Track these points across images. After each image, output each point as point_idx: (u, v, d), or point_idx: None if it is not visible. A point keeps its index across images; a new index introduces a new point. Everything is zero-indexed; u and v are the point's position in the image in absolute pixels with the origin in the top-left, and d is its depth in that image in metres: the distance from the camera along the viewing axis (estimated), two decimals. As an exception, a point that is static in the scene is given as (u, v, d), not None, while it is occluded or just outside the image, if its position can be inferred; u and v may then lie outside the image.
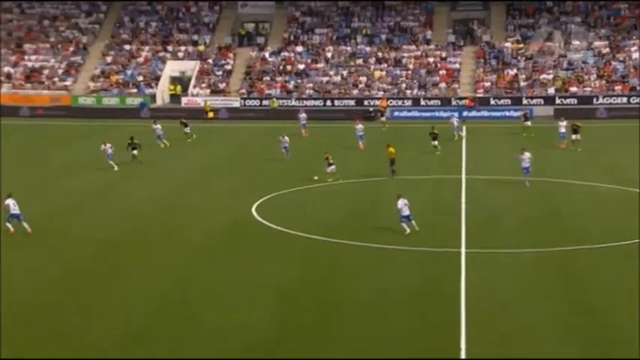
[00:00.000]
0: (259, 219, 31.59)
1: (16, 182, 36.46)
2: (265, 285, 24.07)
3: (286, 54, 70.33)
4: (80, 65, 69.84)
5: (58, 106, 64.34)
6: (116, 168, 41.12)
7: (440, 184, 37.94)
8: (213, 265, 26.31)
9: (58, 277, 25.06)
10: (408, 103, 64.23)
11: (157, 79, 68.36)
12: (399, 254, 26.82)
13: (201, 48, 71.18)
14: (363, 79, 67.17)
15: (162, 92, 67.65)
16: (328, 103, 64.66)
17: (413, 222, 28.39)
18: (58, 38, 72.36)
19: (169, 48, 71.42)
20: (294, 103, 64.62)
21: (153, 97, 66.71)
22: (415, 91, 65.45)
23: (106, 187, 37.87)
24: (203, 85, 67.83)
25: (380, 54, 69.25)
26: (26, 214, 29.87)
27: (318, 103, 64.56)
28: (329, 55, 69.82)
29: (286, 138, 43.03)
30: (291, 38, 72.21)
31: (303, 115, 53.20)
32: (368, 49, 70.16)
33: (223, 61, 70.14)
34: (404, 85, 66.13)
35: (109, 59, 70.41)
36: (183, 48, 71.31)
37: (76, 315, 21.88)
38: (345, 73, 67.93)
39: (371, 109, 61.93)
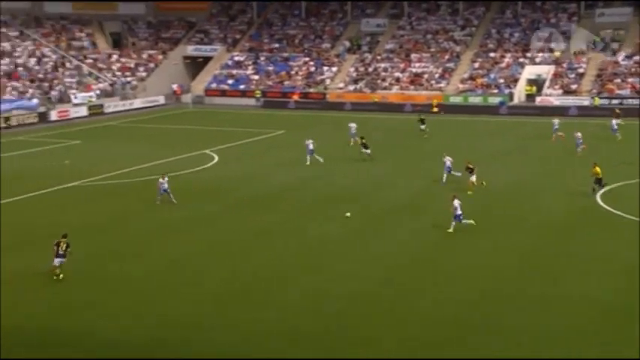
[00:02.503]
0: (603, 205, 28.95)
1: (395, 163, 38.06)
2: (612, 262, 22.35)
3: (639, 57, 63.63)
4: (453, 70, 70.54)
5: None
6: (308, 163, 38.36)
7: None
8: (563, 242, 24.88)
9: (436, 238, 25.57)
10: None
11: (516, 81, 66.49)
12: None
13: (557, 54, 67.53)
14: None
15: (519, 92, 65.77)
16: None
17: (464, 221, 25.62)
18: (437, 48, 73.83)
19: (528, 54, 68.97)
20: (643, 102, 58.55)
21: (510, 96, 65.06)
22: None
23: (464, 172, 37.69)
24: (556, 87, 64.29)
25: None
26: (408, 189, 30.90)
27: (667, 102, 57.53)
28: (682, 57, 61.68)
29: (448, 158, 34.12)
30: (644, 43, 65.16)
31: (556, 121, 47.61)
32: None
33: (577, 65, 65.78)
34: None
35: (476, 65, 70.12)
36: (540, 54, 68.39)
37: (437, 273, 22.24)
38: (697, 74, 59.45)
39: None
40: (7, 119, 56.13)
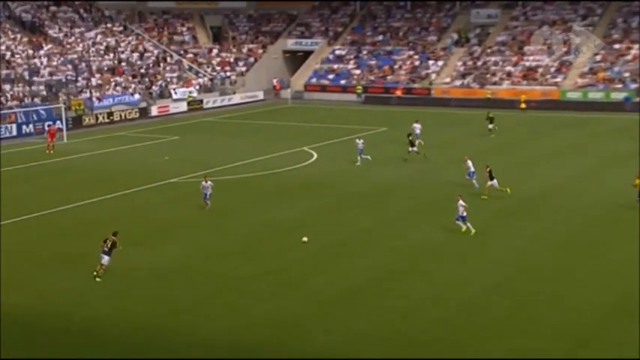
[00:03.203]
0: None
1: (504, 165, 37.42)
2: None
3: None
4: (571, 64, 68.11)
5: (547, 100, 63.79)
6: (358, 163, 38.71)
7: None
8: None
9: (555, 244, 25.26)
10: None
11: (644, 75, 63.38)
12: None
13: (692, 45, 63.85)
14: None
15: (648, 87, 62.66)
16: None
17: (468, 224, 25.99)
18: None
19: (658, 46, 65.61)
20: None
21: (637, 91, 62.04)
22: None
23: (583, 174, 36.47)
24: (690, 81, 60.83)
25: None
26: (519, 192, 30.36)
27: None
28: None
29: (470, 162, 33.22)
30: None
31: None
32: None
33: None
34: None
35: (598, 57, 67.37)
36: (672, 45, 64.92)
37: (557, 281, 21.73)
38: None
39: None
40: (109, 114, 59.18)
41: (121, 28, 75.99)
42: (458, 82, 70.36)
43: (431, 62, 73.72)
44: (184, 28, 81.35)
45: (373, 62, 75.87)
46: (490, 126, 48.54)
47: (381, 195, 33.01)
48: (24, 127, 52.11)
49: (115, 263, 22.84)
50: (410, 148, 39.99)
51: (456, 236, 26.27)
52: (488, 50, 73.07)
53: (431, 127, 49.78)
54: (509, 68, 69.95)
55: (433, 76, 72.02)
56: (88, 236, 26.72)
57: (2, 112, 52.56)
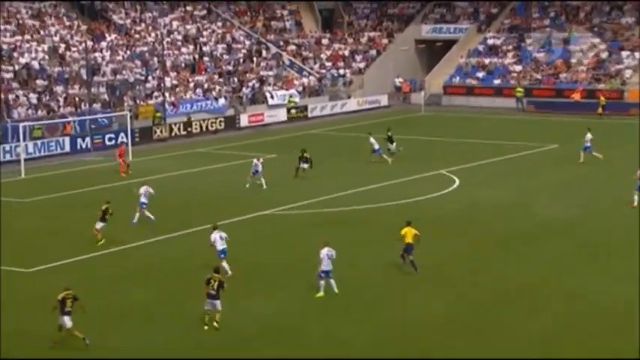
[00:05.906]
0: None
1: None
2: None
3: None
4: None
5: None
6: (247, 185, 41.93)
7: None
8: None
9: None
10: None
11: None
12: None
13: None
14: None
15: None
16: None
17: (332, 281, 25.94)
18: None
19: None
20: None
21: None
22: None
23: None
24: None
25: None
26: None
27: None
28: None
29: None
30: None
31: None
32: None
33: None
34: None
35: None
36: None
37: None
38: None
39: None
40: (187, 125, 61.49)
41: (204, 12, 79.14)
42: (662, 81, 68.79)
43: (625, 54, 72.52)
44: (285, 12, 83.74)
45: (541, 55, 75.37)
46: (392, 146, 48.87)
47: (545, 235, 33.08)
48: (79, 140, 55.09)
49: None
50: (301, 165, 44.11)
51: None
52: None
53: (617, 143, 48.87)
54: None
55: (628, 72, 70.68)
56: (164, 281, 28.17)
57: (53, 121, 55.78)
